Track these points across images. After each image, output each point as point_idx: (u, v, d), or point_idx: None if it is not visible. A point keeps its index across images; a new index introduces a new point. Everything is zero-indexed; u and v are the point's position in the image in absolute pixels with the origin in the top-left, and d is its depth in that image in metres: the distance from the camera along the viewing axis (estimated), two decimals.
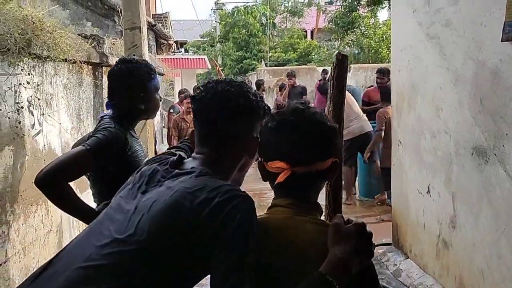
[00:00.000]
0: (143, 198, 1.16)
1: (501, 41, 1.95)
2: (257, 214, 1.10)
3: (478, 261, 2.52)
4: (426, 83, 3.17)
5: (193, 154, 1.29)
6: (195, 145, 1.30)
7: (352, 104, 5.70)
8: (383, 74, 6.20)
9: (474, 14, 2.25)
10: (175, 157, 1.28)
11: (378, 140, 5.42)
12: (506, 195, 2.18)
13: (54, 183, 1.37)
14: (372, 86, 6.81)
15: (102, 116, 2.06)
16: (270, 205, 1.23)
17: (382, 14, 19.65)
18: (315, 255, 1.06)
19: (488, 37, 2.12)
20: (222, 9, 26.55)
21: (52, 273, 1.13)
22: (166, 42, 10.46)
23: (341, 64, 1.36)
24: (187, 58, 11.94)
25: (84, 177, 3.92)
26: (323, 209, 1.32)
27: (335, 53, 1.38)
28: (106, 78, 2.12)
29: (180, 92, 7.83)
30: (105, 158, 1.76)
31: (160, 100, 2.04)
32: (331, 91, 1.37)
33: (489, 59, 2.13)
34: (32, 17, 2.94)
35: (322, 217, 1.26)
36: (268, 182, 1.22)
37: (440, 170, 3.00)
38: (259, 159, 1.23)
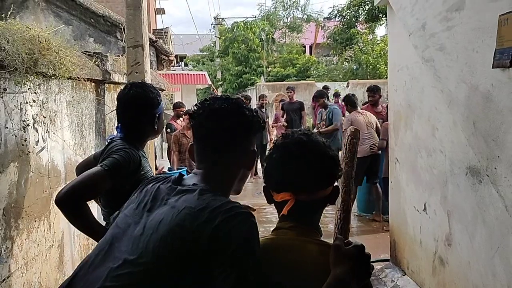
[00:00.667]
0: (150, 217, 1.22)
1: (492, 67, 2.03)
2: (258, 231, 1.16)
3: (474, 278, 2.57)
4: (422, 103, 3.25)
5: (194, 170, 1.35)
6: (195, 160, 1.36)
7: (369, 125, 5.87)
8: (374, 91, 6.50)
9: (466, 40, 2.33)
10: (177, 175, 1.34)
11: (381, 146, 5.53)
12: (500, 214, 2.24)
13: (74, 203, 1.43)
14: (367, 103, 6.99)
15: (112, 138, 2.14)
16: (275, 227, 1.31)
17: (380, 31, 19.89)
18: (319, 273, 1.14)
19: (480, 63, 2.20)
20: (221, 24, 26.83)
21: None
22: (166, 58, 10.59)
23: (355, 134, 1.56)
24: (188, 74, 12.06)
25: None
26: (334, 226, 1.44)
27: (349, 128, 1.55)
28: (116, 102, 2.21)
29: (174, 106, 7.67)
30: (121, 178, 1.83)
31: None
32: (344, 154, 1.55)
33: (481, 83, 2.21)
34: (39, 37, 3.03)
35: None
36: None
37: (436, 189, 3.07)
38: (264, 184, 1.30)
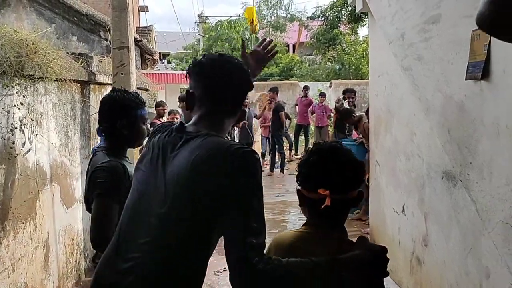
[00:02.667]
0: (168, 170, 1.33)
1: (465, 79, 2.15)
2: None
3: (448, 277, 2.70)
4: (401, 109, 3.37)
5: (193, 119, 1.45)
6: (194, 108, 1.46)
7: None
8: (354, 92, 6.75)
9: (442, 52, 2.45)
10: (178, 124, 1.46)
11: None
12: (472, 217, 2.36)
13: (106, 241, 1.49)
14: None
15: (95, 152, 2.15)
16: (306, 221, 1.46)
17: (363, 31, 20.10)
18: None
19: (455, 74, 2.32)
20: (205, 22, 26.75)
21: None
22: (151, 57, 10.56)
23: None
24: (172, 73, 12.03)
25: (70, 192, 3.97)
26: None
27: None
28: (99, 103, 2.22)
29: (156, 105, 7.58)
30: (120, 191, 1.85)
31: (148, 132, 2.12)
32: None
33: (455, 94, 2.33)
34: (26, 40, 3.05)
35: None
36: (300, 206, 1.47)
37: (414, 191, 3.19)
38: (298, 187, 1.44)
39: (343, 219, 1.44)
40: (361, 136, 5.87)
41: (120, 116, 2.05)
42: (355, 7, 4.32)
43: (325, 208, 1.32)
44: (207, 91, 1.44)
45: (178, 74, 11.69)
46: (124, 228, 1.38)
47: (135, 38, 7.67)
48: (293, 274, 1.20)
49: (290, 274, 1.20)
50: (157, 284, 1.26)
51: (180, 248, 1.26)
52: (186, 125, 1.45)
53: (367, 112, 6.76)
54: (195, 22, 31.93)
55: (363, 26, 18.53)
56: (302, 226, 1.45)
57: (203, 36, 25.60)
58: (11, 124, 2.86)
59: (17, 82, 2.92)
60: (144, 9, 16.86)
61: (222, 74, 1.42)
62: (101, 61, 4.95)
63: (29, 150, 3.16)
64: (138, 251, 1.28)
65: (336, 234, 1.39)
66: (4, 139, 2.78)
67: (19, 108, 2.95)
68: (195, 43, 28.14)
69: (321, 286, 1.25)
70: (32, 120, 3.14)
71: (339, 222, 1.42)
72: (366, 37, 18.21)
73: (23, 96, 3.01)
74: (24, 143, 3.10)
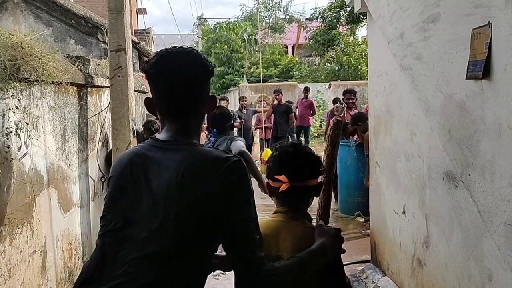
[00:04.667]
0: (153, 184, 1.29)
1: (466, 78, 2.12)
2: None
3: (450, 280, 2.66)
4: (401, 109, 3.34)
5: (165, 126, 1.39)
6: (163, 115, 1.40)
7: None
8: (354, 94, 6.62)
9: (442, 51, 2.42)
10: (152, 137, 1.42)
11: None
12: (474, 218, 2.32)
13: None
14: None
15: (231, 138, 3.15)
16: (274, 210, 1.69)
17: (362, 32, 20.10)
18: (305, 246, 1.48)
19: (455, 73, 2.29)
20: (204, 24, 26.75)
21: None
22: (149, 60, 10.52)
23: (337, 126, 1.92)
24: None
25: (67, 196, 3.94)
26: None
27: (332, 120, 1.97)
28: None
29: None
30: None
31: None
32: (326, 146, 1.92)
33: (456, 93, 2.29)
34: (21, 43, 3.02)
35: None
36: (272, 198, 1.70)
37: (415, 192, 3.16)
38: (267, 180, 1.67)
39: (305, 206, 1.67)
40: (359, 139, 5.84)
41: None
42: (353, 7, 4.29)
43: (285, 194, 1.59)
44: (172, 95, 1.36)
45: None
46: (108, 248, 1.29)
47: (133, 41, 7.65)
48: (292, 273, 1.34)
49: (290, 273, 1.33)
50: None
51: (178, 261, 1.23)
52: (157, 135, 1.40)
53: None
54: (193, 24, 31.99)
55: (361, 27, 18.54)
56: (272, 215, 1.67)
57: (201, 38, 25.60)
58: (6, 128, 2.82)
59: (12, 85, 2.89)
60: (142, 11, 16.86)
61: (184, 72, 1.34)
62: (99, 64, 4.92)
63: (25, 154, 3.13)
64: (129, 267, 1.22)
65: (300, 220, 1.63)
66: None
67: (14, 112, 2.92)
68: (194, 45, 28.13)
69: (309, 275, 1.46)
70: (28, 124, 3.11)
71: (302, 209, 1.66)
72: (365, 38, 18.20)
73: (18, 100, 2.98)
74: (20, 147, 3.06)
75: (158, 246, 1.22)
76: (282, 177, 1.58)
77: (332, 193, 6.63)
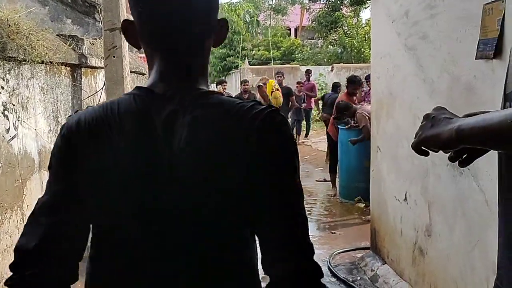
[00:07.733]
0: (173, 153, 0.91)
1: (475, 58, 1.98)
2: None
3: (452, 271, 2.57)
4: (404, 92, 3.20)
5: (156, 71, 0.96)
6: (153, 51, 0.97)
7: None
8: (358, 83, 6.45)
9: (450, 29, 2.28)
10: (138, 87, 0.99)
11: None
12: (479, 207, 2.22)
13: None
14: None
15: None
16: None
17: (365, 14, 19.78)
18: None
19: (463, 53, 2.15)
20: None
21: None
22: None
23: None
24: None
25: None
26: None
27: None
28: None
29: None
30: None
31: None
32: None
33: (463, 74, 2.16)
34: (8, 20, 2.88)
35: None
36: None
37: (417, 179, 3.04)
38: None
39: None
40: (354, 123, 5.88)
41: None
42: None
43: None
44: (178, 30, 0.93)
45: None
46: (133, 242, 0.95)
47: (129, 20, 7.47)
48: None
49: None
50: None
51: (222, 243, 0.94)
52: (148, 86, 0.96)
53: (367, 78, 6.68)
54: None
55: (365, 8, 18.25)
56: None
57: None
58: None
59: None
60: None
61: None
62: (93, 44, 4.78)
63: (14, 136, 3.03)
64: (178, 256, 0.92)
65: None
66: None
67: (0, 92, 2.80)
68: None
69: None
70: (14, 105, 2.99)
71: None
72: (369, 20, 17.92)
73: (4, 80, 2.86)
74: (9, 129, 2.96)
75: (197, 231, 0.92)
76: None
77: (330, 177, 6.63)
